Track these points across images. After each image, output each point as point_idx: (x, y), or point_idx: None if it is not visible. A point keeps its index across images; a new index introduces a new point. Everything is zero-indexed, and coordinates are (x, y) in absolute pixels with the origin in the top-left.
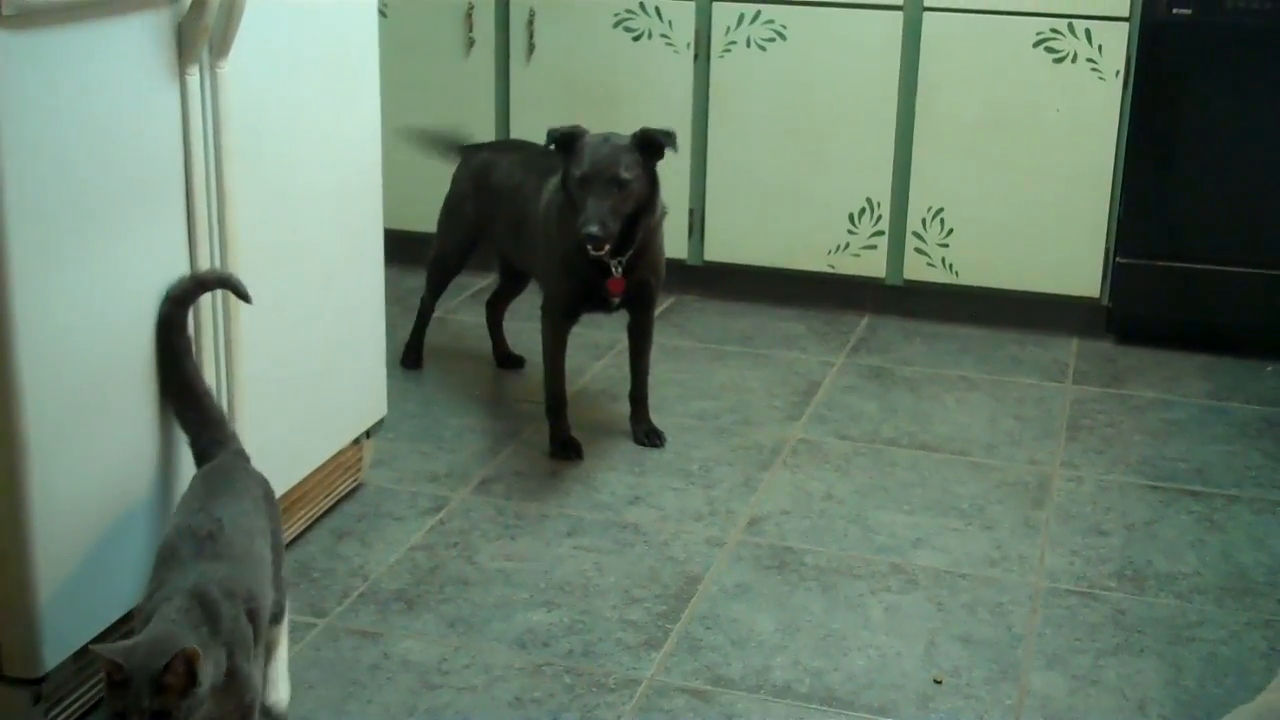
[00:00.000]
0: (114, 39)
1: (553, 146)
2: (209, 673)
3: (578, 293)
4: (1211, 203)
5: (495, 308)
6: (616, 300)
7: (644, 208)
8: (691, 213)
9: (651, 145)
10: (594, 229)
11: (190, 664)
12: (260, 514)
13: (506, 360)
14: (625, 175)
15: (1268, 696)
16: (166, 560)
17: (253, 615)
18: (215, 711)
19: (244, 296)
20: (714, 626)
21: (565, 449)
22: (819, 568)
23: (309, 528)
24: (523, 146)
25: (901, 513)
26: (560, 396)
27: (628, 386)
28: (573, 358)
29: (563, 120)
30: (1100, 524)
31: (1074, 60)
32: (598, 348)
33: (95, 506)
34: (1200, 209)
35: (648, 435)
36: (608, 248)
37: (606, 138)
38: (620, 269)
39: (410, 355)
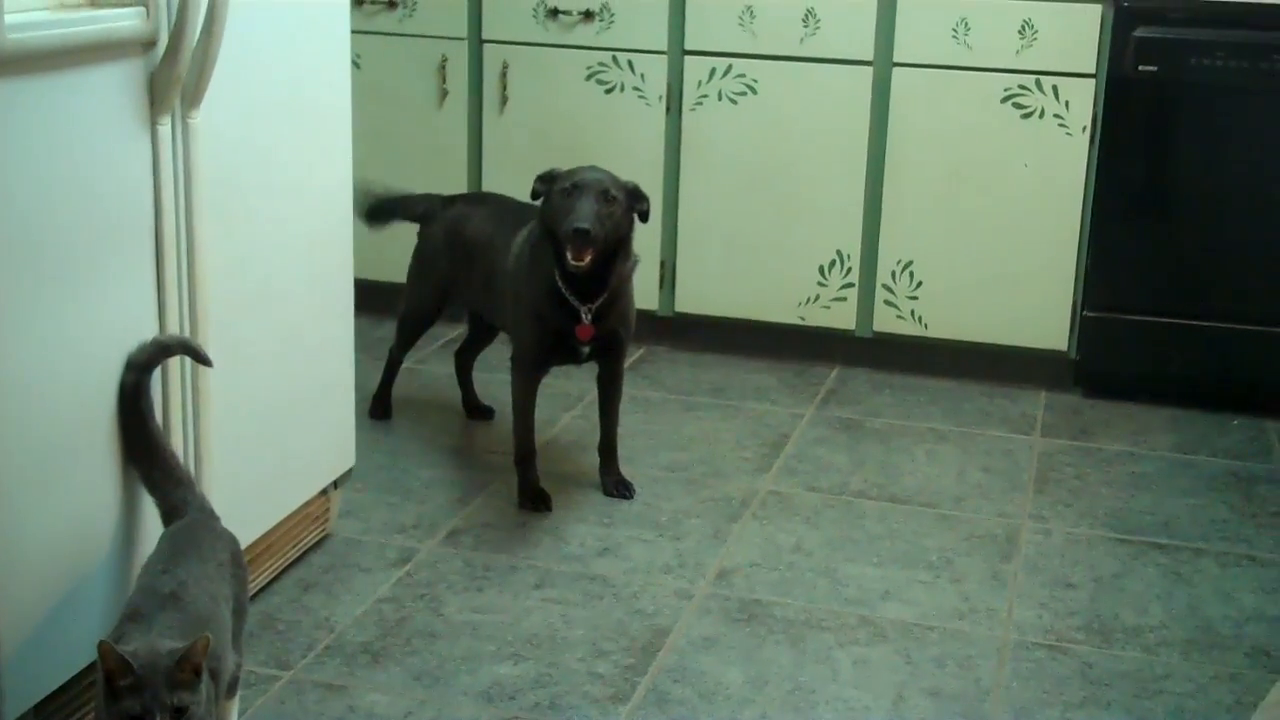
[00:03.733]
0: (85, 88)
1: (539, 187)
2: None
3: (548, 344)
4: (1178, 257)
5: (465, 358)
6: (586, 350)
7: (619, 248)
8: (662, 264)
9: (637, 196)
10: (584, 224)
11: (205, 651)
12: (224, 578)
13: (476, 411)
14: (614, 193)
15: None
16: (130, 618)
17: (214, 675)
18: None
19: (204, 361)
20: (682, 679)
21: (534, 500)
22: (788, 620)
23: (275, 579)
24: (493, 199)
25: (870, 565)
26: (529, 448)
27: (597, 438)
28: (542, 409)
29: (535, 172)
30: (1068, 577)
31: (1041, 116)
32: (568, 398)
33: (59, 559)
34: (1167, 263)
35: (617, 487)
36: (589, 257)
37: (594, 167)
38: (590, 316)
39: (378, 406)
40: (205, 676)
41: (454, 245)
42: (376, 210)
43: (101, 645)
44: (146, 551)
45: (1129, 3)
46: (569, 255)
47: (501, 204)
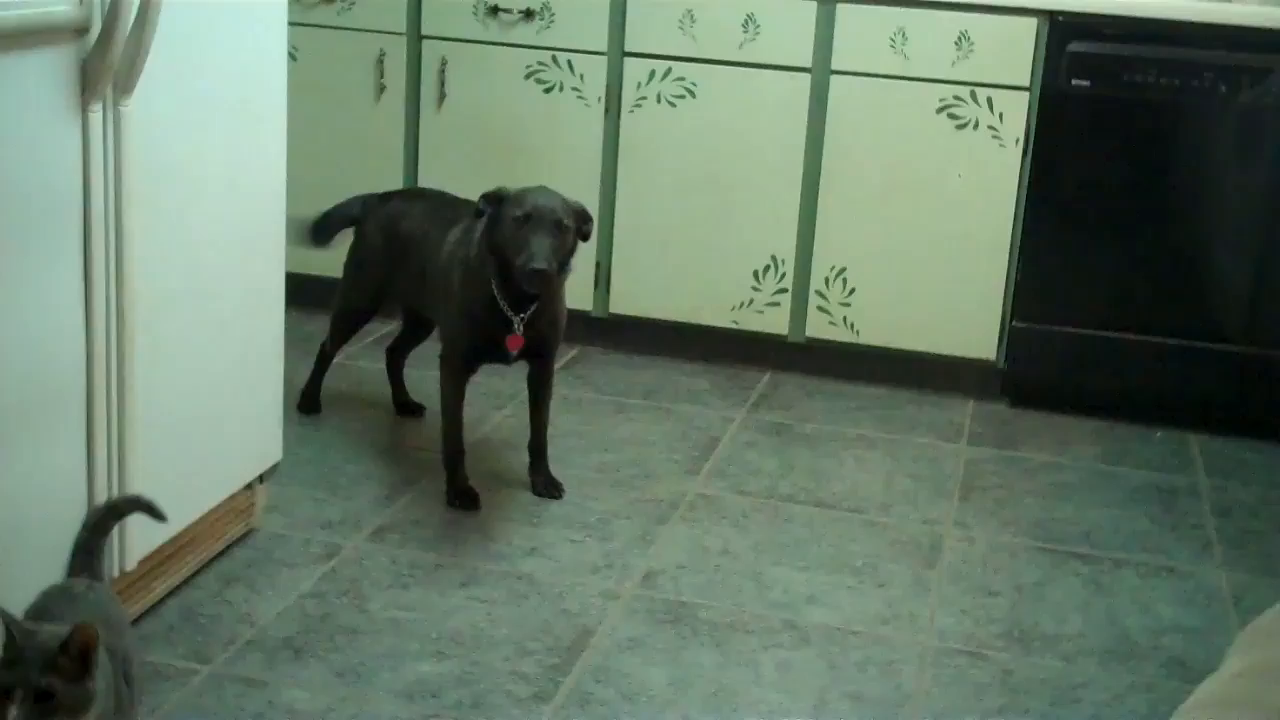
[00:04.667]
0: (15, 74)
1: (484, 206)
2: (101, 683)
3: (478, 344)
4: (1106, 269)
5: (396, 354)
6: (515, 353)
7: (562, 266)
8: (598, 265)
9: (583, 218)
10: (541, 264)
11: (88, 644)
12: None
13: (406, 408)
14: (566, 222)
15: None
16: (36, 617)
17: (126, 679)
18: None
19: (159, 516)
20: (605, 680)
21: (463, 499)
22: (713, 623)
23: (197, 572)
24: (429, 195)
25: (796, 569)
26: (458, 446)
27: (528, 437)
28: (474, 407)
29: (472, 170)
30: (990, 584)
31: (975, 127)
32: (499, 397)
33: None
34: (1095, 275)
35: (546, 486)
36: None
37: (544, 189)
38: (521, 325)
39: (307, 400)
40: (104, 679)
41: (390, 242)
42: (317, 231)
43: None
44: (66, 543)
45: (1064, 17)
46: (524, 287)
47: (437, 199)
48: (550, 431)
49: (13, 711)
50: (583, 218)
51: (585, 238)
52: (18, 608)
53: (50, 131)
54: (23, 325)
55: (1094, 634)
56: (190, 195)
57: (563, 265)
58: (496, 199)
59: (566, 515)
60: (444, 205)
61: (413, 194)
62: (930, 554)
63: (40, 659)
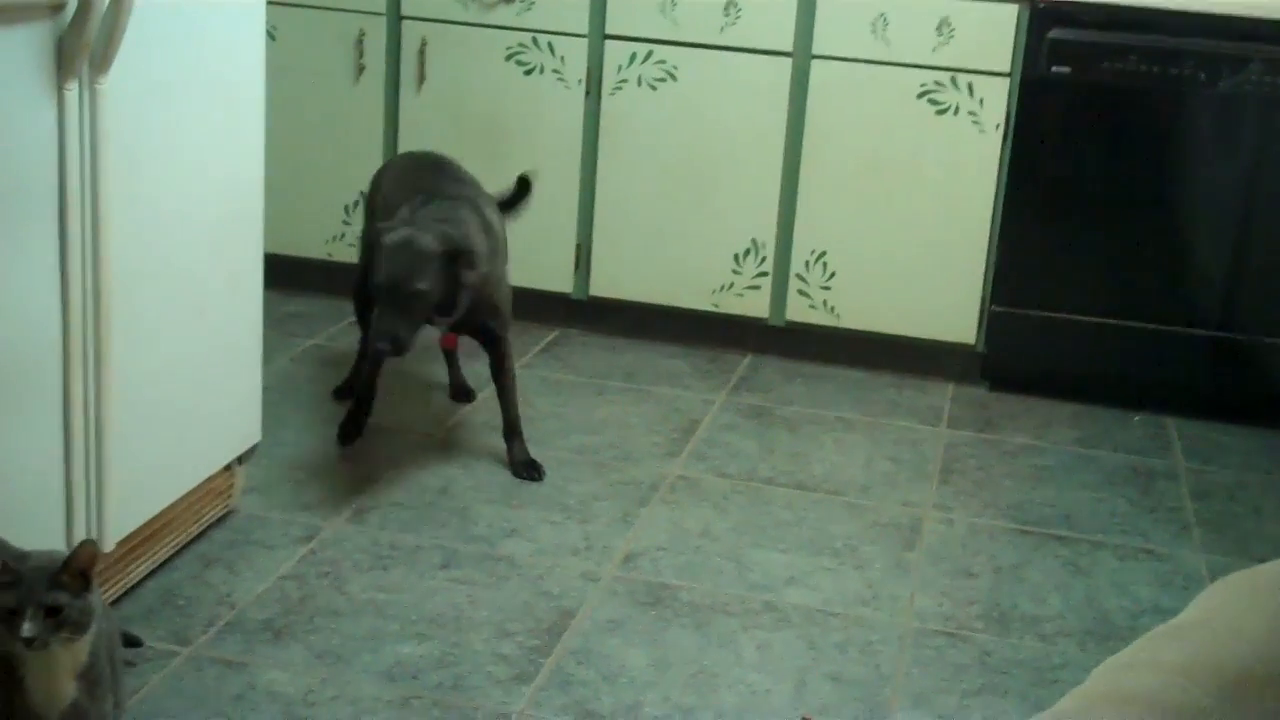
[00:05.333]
0: None
1: (372, 235)
2: (97, 600)
3: None
4: (1085, 255)
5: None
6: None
7: (454, 297)
8: (578, 247)
9: (451, 260)
10: (382, 345)
11: (89, 561)
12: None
13: (461, 393)
14: (417, 288)
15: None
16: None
17: (111, 662)
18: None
19: (135, 643)
20: (586, 661)
21: (344, 432)
22: (693, 604)
23: (176, 554)
24: (405, 159)
25: (776, 551)
26: (368, 381)
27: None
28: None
29: (452, 152)
30: (969, 566)
31: (956, 113)
32: (477, 379)
33: None
34: (1074, 261)
35: (525, 468)
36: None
37: (408, 241)
38: (447, 328)
39: (346, 388)
40: (100, 602)
41: (371, 206)
42: None
43: None
44: (43, 526)
45: (1045, 4)
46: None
47: (410, 164)
48: (530, 413)
49: (25, 626)
50: (449, 261)
51: (472, 267)
52: None
53: (25, 110)
54: None
55: (1073, 615)
56: (167, 175)
57: (446, 309)
58: (375, 242)
59: (546, 497)
60: (412, 172)
61: (408, 155)
62: (910, 536)
63: (44, 578)
